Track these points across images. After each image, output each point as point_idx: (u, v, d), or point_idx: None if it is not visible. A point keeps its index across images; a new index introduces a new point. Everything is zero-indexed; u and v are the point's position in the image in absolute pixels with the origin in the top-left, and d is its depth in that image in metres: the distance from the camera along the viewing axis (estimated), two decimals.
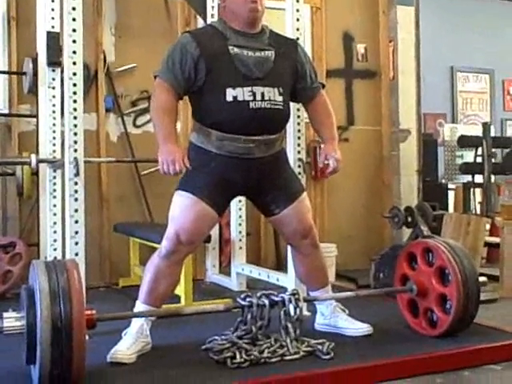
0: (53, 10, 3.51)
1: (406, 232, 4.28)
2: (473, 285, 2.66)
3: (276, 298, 2.52)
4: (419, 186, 5.04)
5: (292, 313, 2.53)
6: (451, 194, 5.87)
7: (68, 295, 2.05)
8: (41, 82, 3.73)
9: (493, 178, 5.34)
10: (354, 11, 5.11)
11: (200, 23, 4.37)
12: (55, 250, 3.47)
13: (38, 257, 3.76)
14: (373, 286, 3.84)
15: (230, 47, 2.55)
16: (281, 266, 4.34)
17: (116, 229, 4.12)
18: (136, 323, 2.55)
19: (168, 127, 2.54)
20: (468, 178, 5.46)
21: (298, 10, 3.17)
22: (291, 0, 3.16)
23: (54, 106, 3.60)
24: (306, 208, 2.76)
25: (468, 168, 5.41)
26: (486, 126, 5.35)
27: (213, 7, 4.11)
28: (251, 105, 2.52)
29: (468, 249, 3.70)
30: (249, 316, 2.47)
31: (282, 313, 2.52)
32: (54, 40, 3.50)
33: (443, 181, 5.86)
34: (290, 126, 3.10)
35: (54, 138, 3.61)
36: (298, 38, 3.10)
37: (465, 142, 5.50)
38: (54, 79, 3.57)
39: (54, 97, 3.58)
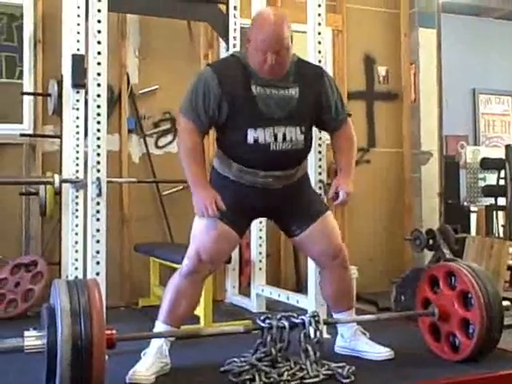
0: (78, 33, 3.59)
1: (428, 255, 4.25)
2: (496, 309, 2.61)
3: (296, 320, 2.50)
4: (441, 209, 5.00)
5: (312, 335, 2.51)
6: (473, 217, 5.81)
7: (89, 315, 2.06)
8: (65, 104, 3.79)
9: None
10: (376, 34, 5.13)
11: (222, 46, 4.42)
12: (76, 269, 3.50)
13: (60, 276, 3.78)
14: (394, 308, 3.80)
15: (253, 86, 2.51)
16: (301, 288, 4.31)
17: (136, 249, 4.14)
18: (155, 343, 2.55)
19: (197, 173, 2.55)
20: (491, 200, 5.40)
21: (319, 33, 3.19)
22: (313, 23, 3.18)
23: (77, 126, 3.65)
24: (330, 227, 2.72)
25: (491, 190, 5.36)
26: (508, 149, 5.30)
27: (235, 30, 4.15)
28: (272, 147, 2.54)
29: (491, 272, 3.66)
30: (268, 338, 2.46)
31: (302, 335, 2.50)
32: (78, 62, 3.57)
33: (465, 203, 5.80)
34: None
35: (78, 159, 3.66)
36: (320, 61, 3.12)
37: (487, 164, 5.45)
38: (78, 101, 3.63)
39: (77, 118, 3.64)
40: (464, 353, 2.63)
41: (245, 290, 4.18)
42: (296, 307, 3.34)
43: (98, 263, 2.85)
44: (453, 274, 2.74)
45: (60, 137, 3.94)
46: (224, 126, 2.57)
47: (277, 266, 4.66)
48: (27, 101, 4.25)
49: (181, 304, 2.59)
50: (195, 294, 2.65)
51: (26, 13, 4.23)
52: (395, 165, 5.11)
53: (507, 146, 5.38)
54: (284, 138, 2.54)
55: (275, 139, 2.53)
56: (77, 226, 3.58)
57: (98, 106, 2.90)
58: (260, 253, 4.02)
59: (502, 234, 5.23)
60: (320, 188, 3.13)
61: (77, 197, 3.61)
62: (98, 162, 2.89)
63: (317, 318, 2.51)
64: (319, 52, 3.19)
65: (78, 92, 3.62)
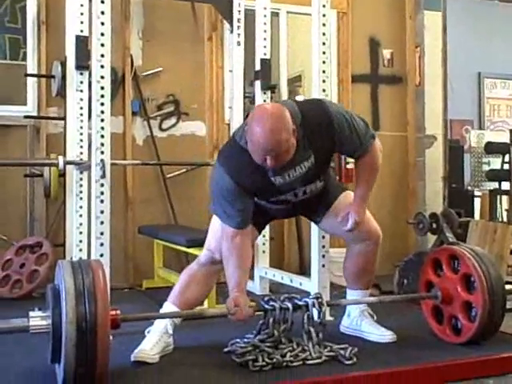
0: (82, 14, 3.56)
1: (431, 239, 4.25)
2: (499, 293, 2.62)
3: (299, 302, 2.52)
4: (445, 193, 4.99)
5: (315, 317, 2.53)
6: (477, 201, 5.80)
7: (93, 295, 2.07)
8: (69, 85, 3.78)
9: None
10: (381, 16, 5.10)
11: (226, 27, 4.40)
12: (81, 250, 3.52)
13: (64, 257, 3.80)
14: (396, 292, 3.81)
15: (273, 178, 2.47)
16: (304, 271, 4.33)
17: (140, 231, 4.16)
18: (160, 323, 2.57)
19: (239, 280, 2.50)
20: (495, 184, 5.39)
21: (324, 15, 3.16)
22: (317, 5, 3.15)
23: (81, 108, 3.65)
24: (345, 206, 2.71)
25: (495, 175, 5.35)
26: None
27: (239, 11, 4.13)
28: (293, 200, 2.61)
29: (494, 256, 3.66)
30: (271, 320, 2.48)
31: (305, 317, 2.52)
32: (82, 44, 3.55)
33: (469, 187, 5.79)
34: None
35: (82, 141, 3.66)
36: (324, 44, 3.10)
37: (492, 148, 5.44)
38: (81, 82, 3.62)
39: (81, 100, 3.63)
40: (466, 336, 2.65)
41: (249, 272, 4.18)
42: (299, 289, 3.36)
43: (101, 245, 2.86)
44: (456, 257, 2.75)
45: (64, 119, 3.94)
46: None
47: (280, 248, 4.67)
48: (31, 82, 4.25)
49: (192, 288, 2.65)
50: (208, 282, 2.71)
51: None
52: (399, 148, 5.10)
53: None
54: (304, 193, 2.60)
55: (296, 196, 2.60)
56: (81, 207, 3.59)
57: (102, 88, 2.89)
58: (264, 236, 4.03)
59: (505, 219, 5.23)
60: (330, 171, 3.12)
61: (81, 179, 3.61)
62: (102, 144, 2.89)
63: (320, 300, 2.53)
64: (323, 34, 3.17)
65: (81, 74, 3.61)
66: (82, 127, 3.66)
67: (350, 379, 2.34)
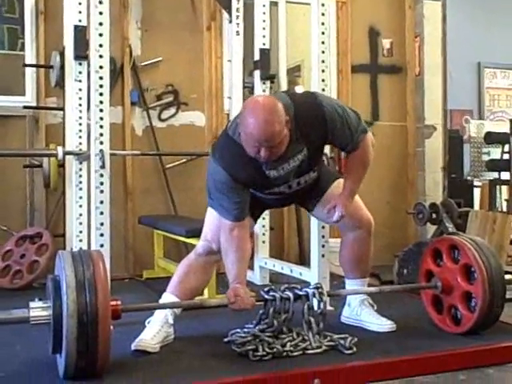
0: (80, 3, 3.54)
1: (431, 229, 4.25)
2: (499, 283, 2.62)
3: (299, 292, 2.52)
4: (444, 183, 4.99)
5: (315, 307, 2.53)
6: (477, 191, 5.81)
7: (94, 286, 2.07)
8: (68, 76, 3.77)
9: None
10: (380, 6, 5.08)
11: (225, 17, 4.38)
12: (81, 241, 3.52)
13: (64, 247, 3.81)
14: (396, 282, 3.82)
15: (267, 172, 2.47)
16: (304, 261, 4.33)
17: (140, 221, 4.16)
18: (160, 313, 2.58)
19: (239, 271, 2.50)
20: (494, 175, 5.39)
21: (323, 5, 3.15)
22: None
23: (80, 99, 3.64)
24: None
25: (494, 165, 5.34)
26: None
27: (238, 1, 4.11)
28: (287, 191, 2.62)
29: (494, 247, 3.67)
30: (271, 309, 2.48)
31: (306, 307, 2.52)
32: (80, 34, 3.53)
33: (469, 178, 5.80)
34: None
35: (81, 131, 3.65)
36: (323, 33, 3.09)
37: (491, 138, 5.43)
38: (80, 72, 3.60)
39: (80, 90, 3.62)
40: (466, 326, 2.65)
41: (248, 263, 4.19)
42: (299, 279, 3.36)
43: (101, 235, 2.86)
44: (456, 247, 2.75)
45: (63, 109, 3.93)
46: None
47: (280, 239, 4.68)
48: (30, 73, 4.24)
49: (190, 278, 2.65)
50: (206, 272, 2.72)
51: None
52: (399, 138, 5.09)
53: (511, 121, 5.35)
54: (298, 184, 2.61)
55: (290, 188, 2.61)
56: (81, 198, 3.59)
57: (101, 78, 2.88)
58: (263, 226, 4.03)
59: (505, 209, 5.23)
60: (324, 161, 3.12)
61: (80, 169, 3.61)
62: (101, 134, 2.89)
63: (320, 290, 2.53)
64: (322, 24, 3.15)
65: (80, 64, 3.59)
66: (81, 117, 3.65)
67: (350, 369, 2.34)
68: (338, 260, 2.94)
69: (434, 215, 3.95)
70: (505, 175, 5.26)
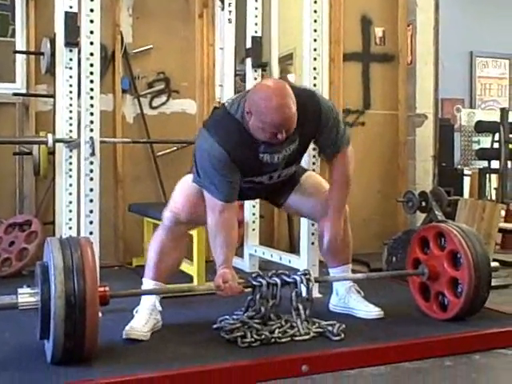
0: None
1: (420, 217, 4.28)
2: (484, 269, 2.65)
3: (287, 278, 2.54)
4: (435, 172, 5.01)
5: (303, 293, 2.55)
6: (467, 180, 5.84)
7: (82, 271, 2.08)
8: (58, 62, 3.74)
9: (509, 164, 5.30)
10: None
11: (217, 4, 4.37)
12: (70, 228, 3.52)
13: (54, 235, 3.79)
14: (385, 269, 3.84)
15: (261, 155, 2.47)
16: (294, 249, 4.35)
17: (130, 209, 4.16)
18: (147, 301, 2.59)
19: (227, 256, 2.50)
20: (484, 163, 5.43)
21: None
22: None
23: (70, 86, 3.61)
24: (310, 185, 2.76)
25: (484, 154, 5.37)
26: (503, 112, 5.30)
27: None
28: (266, 182, 2.64)
29: (482, 235, 3.70)
30: (258, 295, 2.50)
31: (294, 293, 2.54)
32: (71, 20, 3.51)
33: (459, 166, 5.83)
34: None
35: (71, 118, 3.63)
36: (315, 21, 3.09)
37: (482, 127, 5.45)
38: (71, 59, 3.58)
39: (71, 77, 3.59)
40: (452, 312, 2.68)
41: (238, 251, 4.20)
42: (288, 267, 3.37)
43: (91, 223, 2.86)
44: (443, 234, 2.77)
45: (53, 96, 3.91)
46: None
47: (270, 226, 4.69)
48: (20, 59, 4.22)
49: (164, 259, 2.64)
50: (179, 246, 2.69)
51: None
52: (390, 127, 5.10)
53: (502, 110, 5.38)
54: (279, 176, 2.63)
55: (270, 179, 2.62)
56: (70, 185, 3.58)
57: (91, 65, 2.87)
58: (253, 214, 4.05)
59: (494, 197, 5.26)
60: (314, 156, 3.13)
61: (70, 156, 3.60)
62: (92, 122, 2.88)
63: (308, 276, 2.55)
64: (315, 12, 3.15)
65: (71, 50, 3.56)
66: (71, 105, 3.62)
67: (338, 355, 2.36)
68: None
69: (423, 203, 3.97)
70: (494, 164, 5.29)
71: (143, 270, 2.71)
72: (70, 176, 3.58)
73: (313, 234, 3.15)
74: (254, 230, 4.05)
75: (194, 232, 3.36)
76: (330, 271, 2.94)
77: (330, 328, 2.52)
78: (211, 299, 2.68)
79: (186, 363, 2.22)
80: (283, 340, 2.45)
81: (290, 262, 3.47)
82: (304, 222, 3.17)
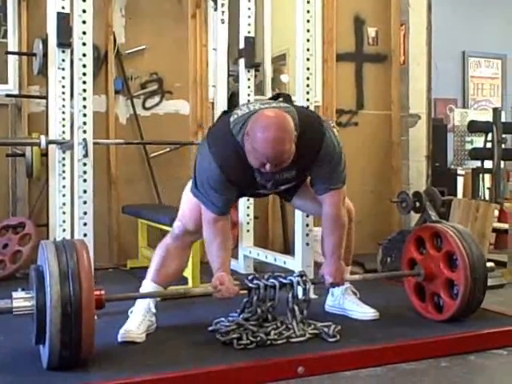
0: None
1: (414, 217, 4.28)
2: (480, 270, 2.66)
3: (284, 280, 2.53)
4: (428, 172, 5.02)
5: (300, 295, 2.55)
6: (460, 180, 5.85)
7: (77, 276, 2.07)
8: (50, 63, 3.72)
9: (502, 163, 5.32)
10: None
11: (210, 5, 4.36)
12: (64, 230, 3.50)
13: (47, 237, 3.78)
14: (380, 270, 3.85)
15: (257, 177, 2.46)
16: (288, 250, 4.35)
17: (124, 210, 4.14)
18: (143, 302, 2.58)
19: (223, 260, 2.50)
20: (477, 163, 5.43)
21: None
22: None
23: (63, 87, 3.59)
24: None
25: (477, 154, 5.38)
26: (496, 112, 5.31)
27: None
28: (267, 193, 2.72)
29: (476, 234, 3.71)
30: (255, 298, 2.49)
31: (290, 295, 2.54)
32: (63, 21, 3.49)
33: (452, 166, 5.84)
34: None
35: (64, 120, 3.61)
36: (308, 21, 3.09)
37: (475, 127, 5.46)
38: (63, 60, 3.56)
39: (63, 78, 3.58)
40: (448, 313, 2.68)
41: (232, 252, 4.19)
42: (283, 268, 3.37)
43: (85, 224, 2.84)
44: (439, 235, 2.77)
45: (46, 97, 3.89)
46: None
47: (264, 227, 4.68)
48: (12, 60, 4.19)
49: (168, 264, 2.66)
50: (183, 255, 2.72)
51: None
52: (383, 127, 5.10)
53: (495, 109, 5.39)
54: (276, 188, 2.62)
55: (269, 191, 2.66)
56: (64, 187, 3.56)
57: (84, 66, 2.86)
58: (248, 215, 4.04)
59: (487, 197, 5.27)
60: None
61: (63, 158, 3.58)
62: (85, 123, 2.86)
63: (304, 278, 2.55)
64: (308, 12, 3.15)
65: (63, 51, 3.55)
66: (64, 106, 3.61)
67: (334, 356, 2.36)
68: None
69: (417, 204, 3.97)
70: (488, 164, 5.30)
71: (138, 271, 2.71)
72: (64, 178, 3.56)
73: (307, 234, 3.15)
74: (248, 231, 4.05)
75: None
76: None
77: (325, 329, 2.52)
78: (206, 301, 2.67)
79: (182, 365, 2.22)
80: (279, 342, 2.45)
81: (284, 263, 3.47)
82: (298, 223, 3.17)
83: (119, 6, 4.37)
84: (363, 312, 2.81)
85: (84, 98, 2.86)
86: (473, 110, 7.02)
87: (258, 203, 4.28)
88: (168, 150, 4.43)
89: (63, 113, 3.61)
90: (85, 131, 2.86)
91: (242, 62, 4.04)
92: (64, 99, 3.60)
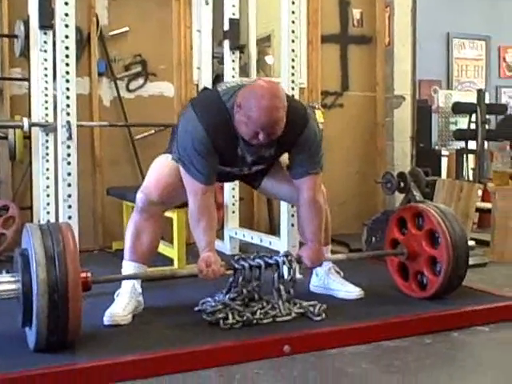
0: None
1: (399, 197, 4.31)
2: (462, 247, 2.69)
3: (269, 260, 2.55)
4: (413, 152, 5.05)
5: (285, 275, 2.56)
6: (444, 161, 5.89)
7: (63, 258, 2.06)
8: (33, 45, 3.69)
9: (486, 144, 5.36)
10: None
11: None
12: (48, 213, 3.49)
13: (32, 220, 3.77)
14: (365, 250, 3.88)
15: (239, 149, 2.47)
16: (274, 231, 4.37)
17: (109, 192, 4.13)
18: (128, 283, 2.59)
19: (209, 239, 2.50)
20: (461, 144, 5.47)
21: None
22: None
23: (46, 69, 3.57)
24: (284, 174, 2.73)
25: (462, 134, 5.41)
26: (480, 93, 5.34)
27: None
28: (237, 173, 2.70)
29: (460, 214, 3.75)
30: (240, 278, 2.51)
31: (275, 275, 2.55)
32: (45, 2, 3.46)
33: (437, 147, 5.86)
34: None
35: (47, 102, 3.59)
36: (293, 3, 3.07)
37: (459, 108, 5.49)
38: (45, 42, 3.53)
39: (46, 60, 3.55)
40: (431, 290, 2.72)
41: (218, 233, 4.20)
42: (269, 249, 3.39)
43: (69, 207, 2.84)
44: (421, 214, 2.80)
45: (28, 80, 3.86)
46: None
47: (250, 209, 4.69)
48: None
49: (141, 239, 2.63)
50: (154, 227, 2.65)
51: None
52: (368, 108, 5.11)
53: (479, 91, 5.42)
54: (249, 169, 2.65)
55: (240, 171, 2.66)
56: (48, 169, 3.55)
57: (67, 48, 2.84)
58: (233, 196, 4.05)
59: (471, 177, 5.32)
60: None
61: (47, 141, 3.56)
62: (68, 106, 2.85)
63: (290, 258, 2.56)
64: None
65: (45, 33, 3.52)
66: (46, 88, 3.58)
67: (319, 335, 2.38)
68: None
69: (401, 184, 4.00)
70: (471, 144, 5.34)
71: (123, 253, 2.70)
72: (47, 160, 3.55)
73: (293, 215, 3.16)
74: (233, 212, 4.05)
75: (173, 215, 3.35)
76: None
77: (311, 308, 2.54)
78: (192, 281, 2.67)
79: (169, 346, 2.23)
80: (265, 321, 2.47)
81: (270, 243, 3.49)
82: (284, 204, 3.18)
83: None
84: (348, 291, 2.84)
85: (67, 81, 2.85)
86: (457, 91, 7.04)
87: (244, 184, 4.28)
88: (153, 131, 4.41)
89: (46, 95, 3.59)
90: (68, 113, 2.85)
91: (226, 43, 4.03)
92: (47, 81, 3.58)
